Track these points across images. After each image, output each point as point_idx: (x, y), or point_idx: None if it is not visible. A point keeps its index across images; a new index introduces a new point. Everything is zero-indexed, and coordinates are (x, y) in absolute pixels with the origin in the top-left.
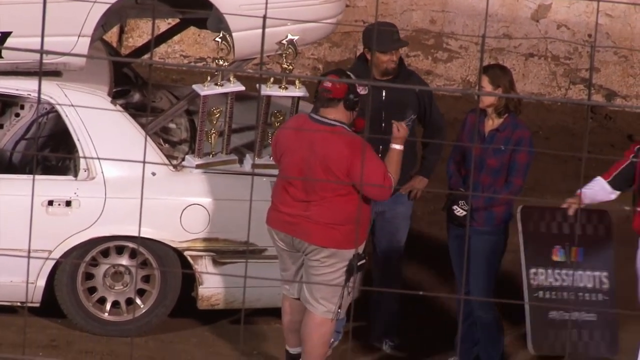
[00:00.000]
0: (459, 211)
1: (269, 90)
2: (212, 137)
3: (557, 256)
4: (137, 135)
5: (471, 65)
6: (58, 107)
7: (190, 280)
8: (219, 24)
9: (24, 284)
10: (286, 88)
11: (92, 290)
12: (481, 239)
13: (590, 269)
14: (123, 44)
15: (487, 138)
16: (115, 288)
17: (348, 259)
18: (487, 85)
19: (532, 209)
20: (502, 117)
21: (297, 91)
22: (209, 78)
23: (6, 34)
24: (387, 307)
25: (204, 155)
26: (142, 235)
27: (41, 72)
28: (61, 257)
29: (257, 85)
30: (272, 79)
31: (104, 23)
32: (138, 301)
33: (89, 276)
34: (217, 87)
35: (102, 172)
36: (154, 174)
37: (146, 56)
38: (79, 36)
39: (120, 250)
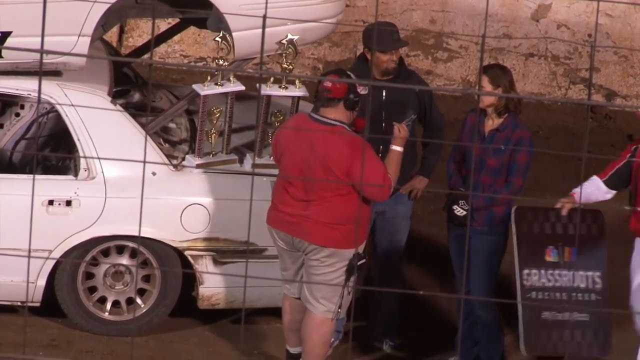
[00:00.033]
0: (459, 211)
1: (269, 90)
2: (212, 136)
3: (551, 256)
4: (137, 135)
5: (471, 65)
6: (58, 107)
7: (190, 279)
8: (219, 23)
9: (25, 283)
10: (286, 88)
11: (92, 289)
12: (481, 239)
13: (583, 269)
14: (123, 43)
15: (487, 138)
16: (116, 288)
17: (348, 258)
18: (487, 85)
19: (526, 210)
20: (502, 117)
21: (297, 91)
22: (209, 78)
23: (6, 34)
24: (387, 307)
25: (204, 155)
26: (142, 234)
27: (41, 71)
28: (61, 256)
29: (257, 85)
30: (272, 79)
31: (104, 23)
32: (138, 301)
33: (89, 276)
34: (217, 86)
35: (103, 172)
36: (154, 173)
37: (146, 56)
38: (79, 36)
39: (120, 250)
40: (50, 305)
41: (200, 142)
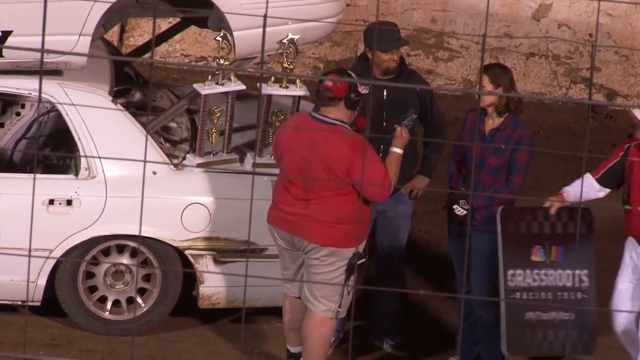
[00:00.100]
0: (460, 210)
1: (269, 89)
2: (213, 136)
3: (537, 256)
4: (138, 134)
5: (472, 64)
6: (59, 106)
7: (191, 279)
8: (219, 23)
9: (25, 282)
10: (287, 87)
11: (93, 289)
12: (482, 238)
13: (570, 268)
14: (124, 43)
15: (488, 137)
16: (116, 287)
17: (348, 257)
18: (487, 85)
19: (512, 210)
20: (502, 117)
21: (298, 90)
22: (209, 77)
23: (7, 33)
24: (388, 307)
25: (205, 154)
26: (143, 234)
27: (42, 71)
28: (62, 256)
29: (258, 84)
30: (273, 78)
31: (105, 22)
32: (139, 300)
33: (89, 275)
34: (218, 86)
35: (103, 171)
36: (154, 173)
37: (147, 55)
38: (79, 35)
39: (121, 249)
40: (51, 304)
41: (201, 142)
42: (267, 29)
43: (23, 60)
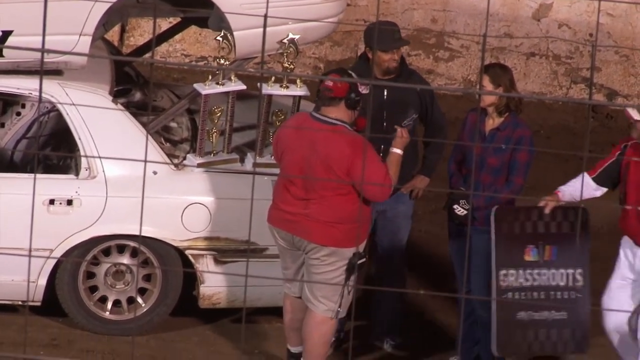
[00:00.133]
0: (460, 210)
1: (270, 89)
2: (214, 136)
3: (530, 256)
4: (138, 134)
5: (472, 64)
6: (59, 106)
7: (191, 279)
8: (220, 22)
9: (25, 282)
10: (287, 87)
11: (93, 289)
12: (482, 238)
13: (563, 267)
14: (124, 42)
15: (488, 137)
16: (117, 287)
17: (348, 257)
18: (487, 85)
19: (506, 210)
20: (502, 116)
21: (299, 90)
22: (210, 77)
23: (7, 33)
24: (388, 306)
25: (205, 154)
26: (143, 234)
27: (42, 71)
28: (62, 256)
29: (259, 84)
30: (273, 78)
31: (105, 22)
32: (139, 300)
33: (90, 275)
34: (218, 86)
35: (104, 171)
36: (155, 172)
37: (147, 55)
38: (80, 35)
39: (121, 249)
40: (51, 304)
41: (201, 142)
42: (268, 29)
43: (23, 60)
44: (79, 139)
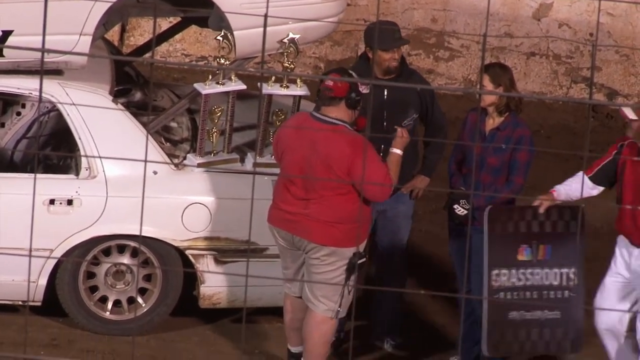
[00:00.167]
0: (460, 210)
1: (270, 89)
2: (214, 135)
3: (523, 255)
4: (138, 134)
5: (473, 64)
6: (59, 106)
7: (191, 279)
8: (220, 22)
9: (26, 282)
10: (287, 87)
11: (93, 289)
12: (482, 238)
13: (557, 266)
14: (124, 42)
15: (488, 137)
16: (117, 287)
17: (348, 257)
18: (488, 84)
19: (500, 210)
20: (502, 116)
21: (299, 90)
22: (210, 77)
23: (8, 33)
24: (388, 306)
25: (206, 154)
26: (143, 234)
27: (42, 70)
28: (63, 255)
29: (259, 83)
30: (273, 78)
31: (106, 22)
32: (139, 300)
33: (90, 275)
34: (218, 85)
35: (104, 171)
36: (155, 172)
37: (148, 55)
38: (80, 35)
39: (121, 249)
40: (52, 304)
41: (201, 141)
42: (268, 29)
43: (24, 60)
44: (79, 138)
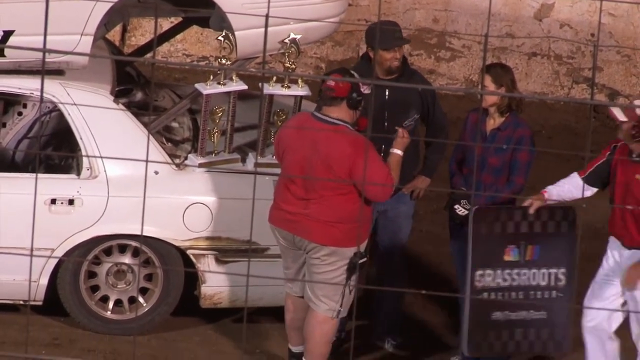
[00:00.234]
0: (461, 210)
1: (271, 89)
2: (215, 136)
3: (510, 256)
4: (139, 134)
5: (474, 64)
6: (61, 106)
7: (193, 278)
8: (221, 22)
9: (27, 282)
10: (289, 87)
11: (94, 288)
12: None
13: (546, 267)
14: (126, 42)
15: (489, 137)
16: (118, 286)
17: (348, 257)
18: (489, 85)
19: (486, 210)
20: (503, 116)
21: (300, 90)
22: (211, 77)
23: (9, 33)
24: (389, 306)
25: (207, 154)
26: (144, 233)
27: (44, 70)
28: (64, 255)
29: (260, 84)
30: (274, 78)
31: (107, 22)
32: (141, 300)
33: (91, 274)
34: (219, 86)
35: (105, 171)
36: (156, 172)
37: (149, 55)
38: (81, 35)
39: (123, 249)
40: (53, 304)
41: (202, 141)
42: (269, 29)
43: (25, 60)
44: (81, 138)
